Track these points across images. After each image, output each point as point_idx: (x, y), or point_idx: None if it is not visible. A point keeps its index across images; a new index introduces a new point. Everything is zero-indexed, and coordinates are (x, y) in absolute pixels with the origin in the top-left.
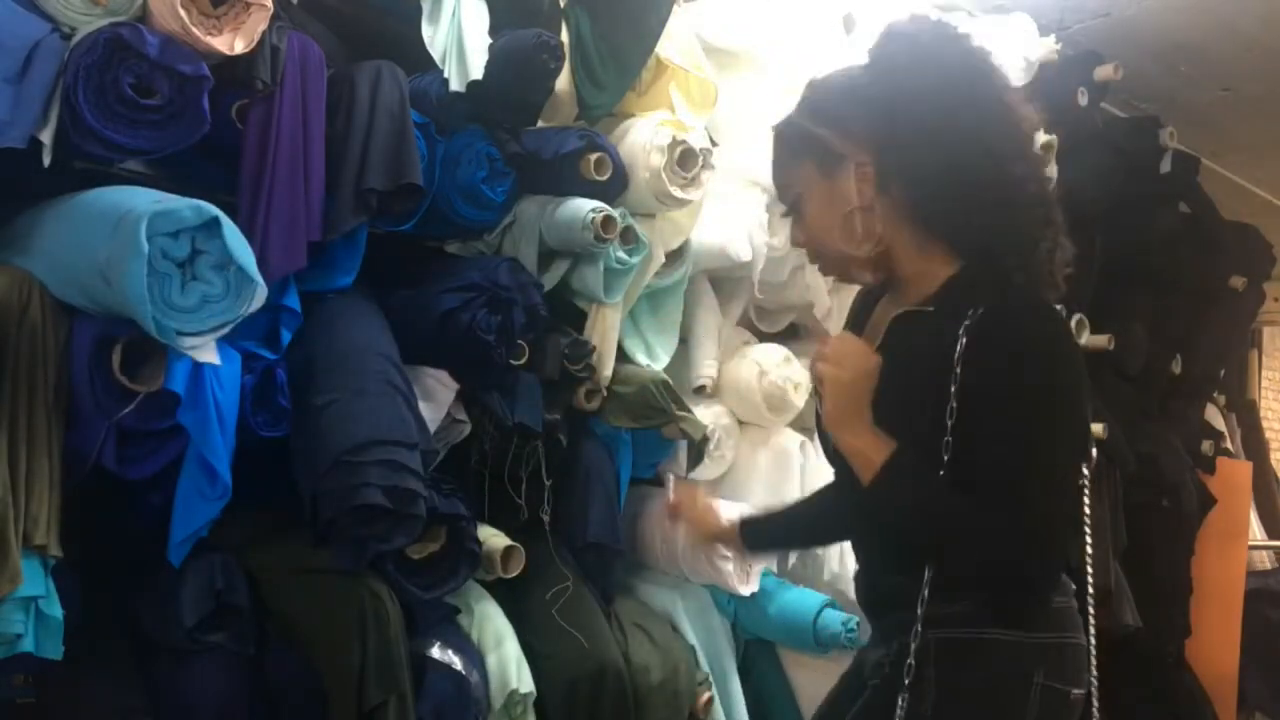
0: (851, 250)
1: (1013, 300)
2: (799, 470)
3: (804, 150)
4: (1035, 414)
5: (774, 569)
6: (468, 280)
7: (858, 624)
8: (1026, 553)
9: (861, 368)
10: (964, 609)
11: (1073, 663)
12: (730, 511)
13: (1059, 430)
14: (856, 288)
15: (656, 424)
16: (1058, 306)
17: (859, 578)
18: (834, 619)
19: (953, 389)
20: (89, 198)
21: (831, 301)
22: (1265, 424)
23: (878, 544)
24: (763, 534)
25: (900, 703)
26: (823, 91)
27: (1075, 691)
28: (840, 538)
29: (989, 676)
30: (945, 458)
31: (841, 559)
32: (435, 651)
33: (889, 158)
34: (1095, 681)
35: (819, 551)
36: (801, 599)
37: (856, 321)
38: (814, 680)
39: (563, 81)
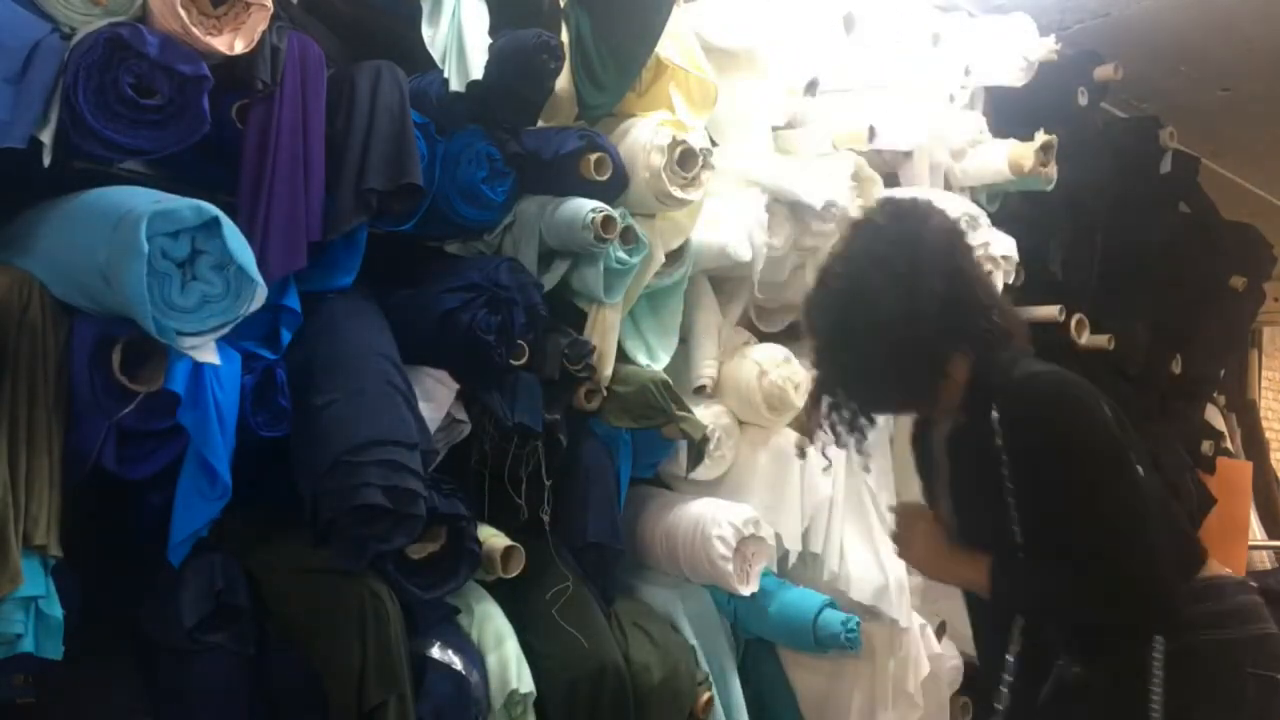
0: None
1: (1018, 379)
2: (799, 470)
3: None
4: (1083, 472)
5: (774, 569)
6: (468, 280)
7: (858, 624)
8: (1142, 595)
9: (922, 533)
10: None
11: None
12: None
13: (1104, 470)
14: None
15: (656, 424)
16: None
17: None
18: (834, 619)
19: (1006, 479)
20: (89, 198)
21: None
22: (1265, 424)
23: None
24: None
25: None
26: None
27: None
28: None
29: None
30: (1027, 539)
31: (842, 559)
32: (435, 651)
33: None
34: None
35: (818, 550)
36: (802, 599)
37: (923, 459)
38: (814, 680)
39: (563, 81)
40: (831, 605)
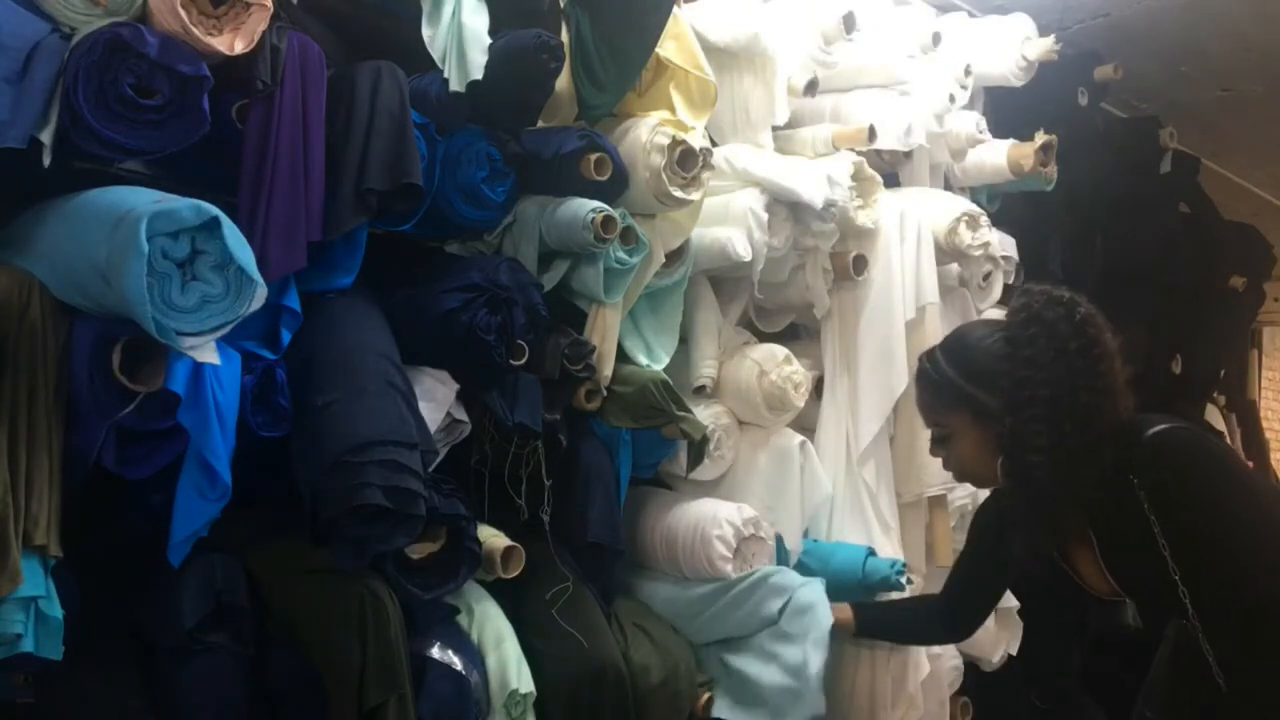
0: (996, 480)
1: (1148, 442)
2: (799, 470)
3: (959, 402)
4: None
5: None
6: (468, 280)
7: (904, 565)
8: None
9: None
10: None
11: None
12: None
13: (1251, 507)
14: (853, 290)
15: (657, 424)
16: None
17: None
18: (882, 563)
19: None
20: (89, 198)
21: (831, 302)
22: (1265, 424)
23: None
24: (871, 619)
25: None
26: (971, 351)
27: None
28: (934, 642)
29: None
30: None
31: None
32: (435, 651)
33: (1029, 425)
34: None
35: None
36: (846, 550)
37: (1000, 528)
38: None
39: (563, 81)
40: (872, 552)
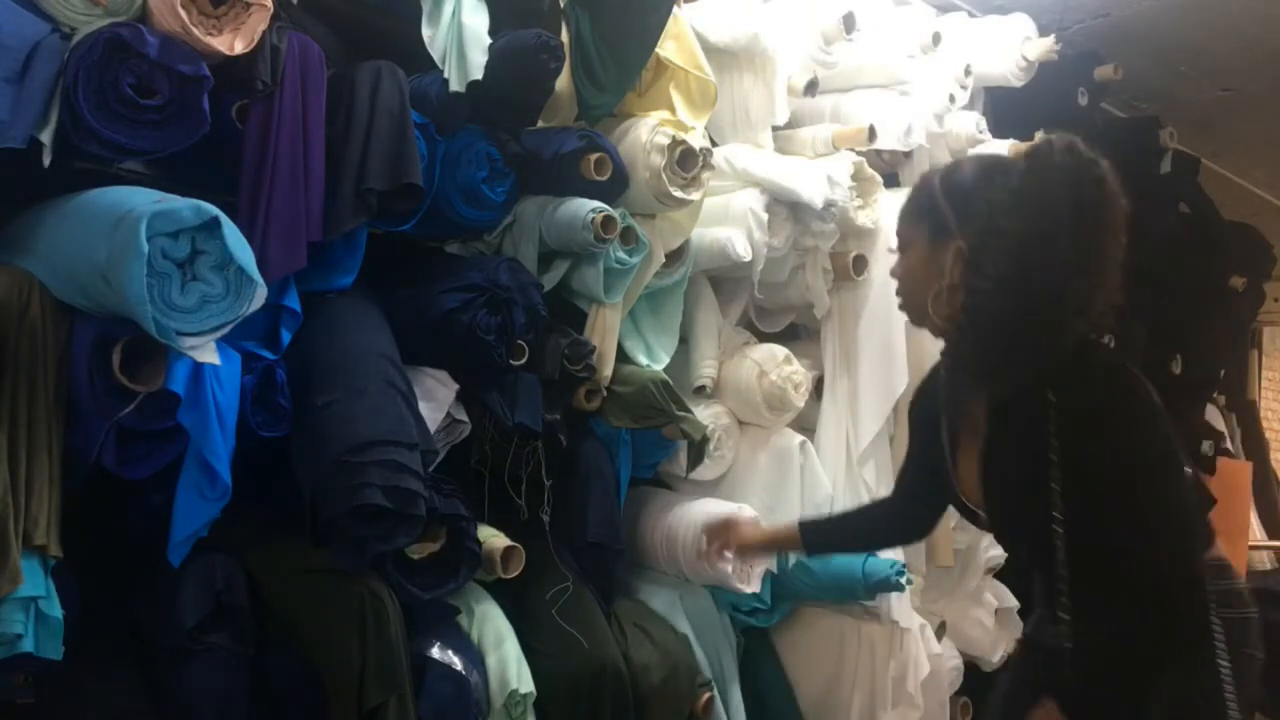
0: (932, 313)
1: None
2: (799, 470)
3: (926, 213)
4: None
5: (774, 569)
6: (468, 280)
7: (905, 565)
8: (1184, 597)
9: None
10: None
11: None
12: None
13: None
14: (853, 290)
15: (656, 424)
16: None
17: None
18: (881, 564)
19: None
20: (89, 198)
21: (831, 302)
22: (1265, 424)
23: None
24: (819, 532)
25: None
26: (962, 171)
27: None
28: (889, 545)
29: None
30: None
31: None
32: (435, 651)
33: (983, 255)
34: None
35: None
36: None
37: (934, 411)
38: (814, 680)
39: (563, 81)
40: (872, 554)
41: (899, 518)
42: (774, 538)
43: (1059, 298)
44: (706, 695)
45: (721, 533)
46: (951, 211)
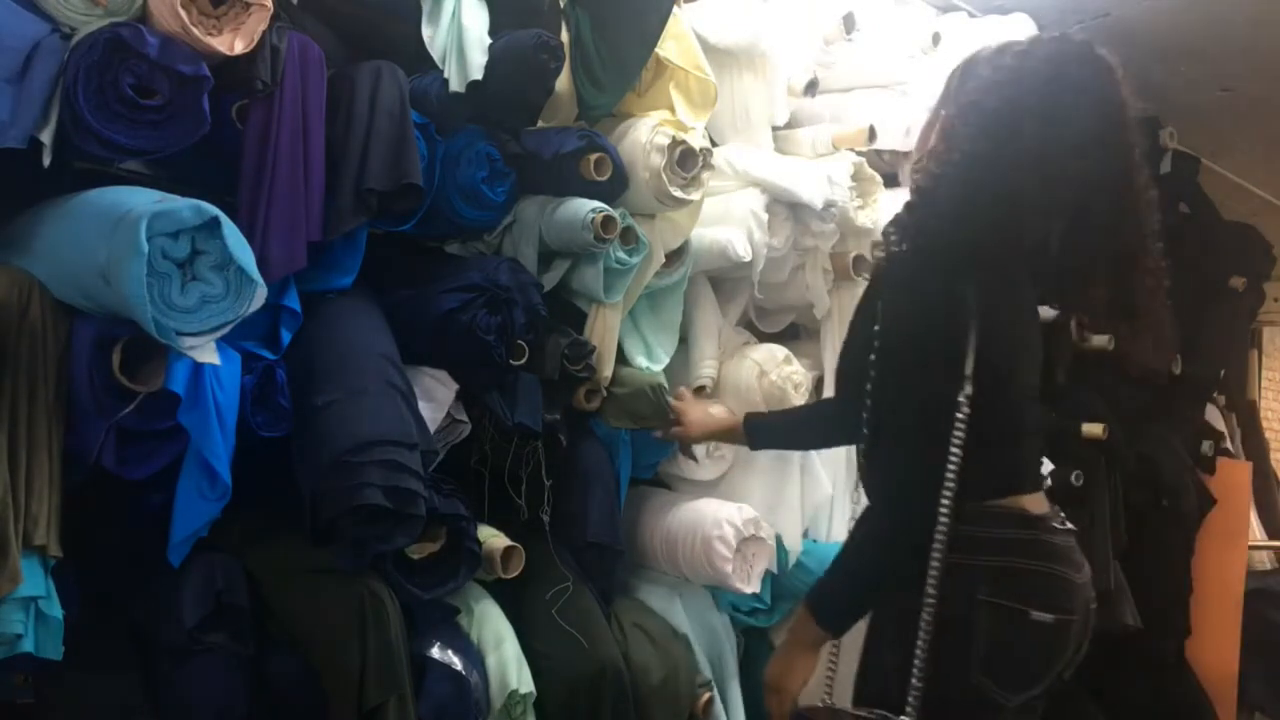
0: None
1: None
2: (799, 470)
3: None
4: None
5: (774, 569)
6: (468, 280)
7: None
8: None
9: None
10: None
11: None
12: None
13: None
14: (853, 290)
15: (653, 426)
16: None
17: None
18: None
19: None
20: (89, 198)
21: (831, 302)
22: (1265, 424)
23: None
24: (765, 429)
25: None
26: (980, 57)
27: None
28: (834, 444)
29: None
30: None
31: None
32: (435, 652)
33: (960, 126)
34: None
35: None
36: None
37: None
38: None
39: (563, 81)
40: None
41: (846, 415)
42: (717, 431)
43: (1021, 185)
44: (706, 695)
45: (666, 426)
46: (950, 86)
